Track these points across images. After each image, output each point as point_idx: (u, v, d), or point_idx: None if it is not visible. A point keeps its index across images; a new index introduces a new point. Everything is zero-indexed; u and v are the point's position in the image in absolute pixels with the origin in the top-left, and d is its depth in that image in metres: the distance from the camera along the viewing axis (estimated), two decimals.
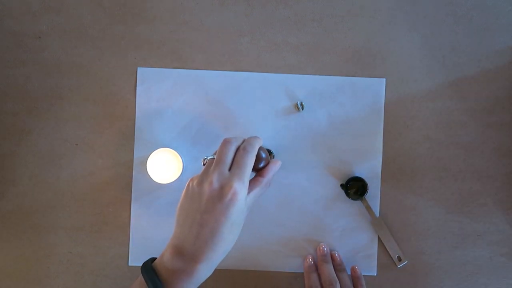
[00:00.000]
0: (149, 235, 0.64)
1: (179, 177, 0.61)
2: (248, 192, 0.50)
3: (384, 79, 0.64)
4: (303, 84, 0.64)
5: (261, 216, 0.64)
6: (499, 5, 0.64)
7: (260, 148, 0.58)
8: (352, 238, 0.64)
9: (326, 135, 0.64)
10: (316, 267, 0.63)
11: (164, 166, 0.61)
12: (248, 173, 0.50)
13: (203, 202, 0.48)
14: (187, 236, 0.47)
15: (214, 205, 0.47)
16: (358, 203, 0.64)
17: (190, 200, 0.49)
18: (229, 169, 0.50)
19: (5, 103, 0.64)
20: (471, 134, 0.64)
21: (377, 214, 0.64)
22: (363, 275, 0.64)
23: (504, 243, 0.64)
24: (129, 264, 0.64)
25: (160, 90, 0.64)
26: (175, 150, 0.61)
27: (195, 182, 0.49)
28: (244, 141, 0.53)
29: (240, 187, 0.48)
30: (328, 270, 0.62)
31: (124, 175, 0.64)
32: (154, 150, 0.61)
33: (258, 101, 0.64)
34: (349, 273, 0.63)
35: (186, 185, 0.51)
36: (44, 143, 0.64)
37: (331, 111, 0.64)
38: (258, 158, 0.56)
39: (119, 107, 0.64)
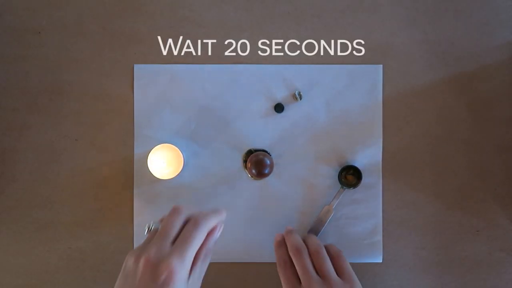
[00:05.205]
0: None
1: (180, 172, 0.61)
2: (191, 270, 0.44)
3: (381, 65, 0.64)
4: (300, 74, 0.64)
5: (263, 208, 0.64)
6: (498, 0, 0.64)
7: (264, 155, 0.59)
8: (356, 226, 0.64)
9: (325, 124, 0.64)
10: (285, 242, 0.60)
11: (165, 162, 0.61)
12: (193, 249, 0.43)
13: (136, 280, 0.42)
14: None
15: (146, 286, 0.41)
16: (361, 191, 0.64)
17: (125, 279, 0.43)
18: (173, 242, 0.44)
19: (4, 99, 0.64)
20: (471, 129, 0.65)
21: (380, 206, 0.64)
22: (369, 263, 0.64)
23: (504, 238, 0.64)
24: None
25: (157, 86, 0.64)
26: (175, 145, 0.61)
27: (132, 258, 0.43)
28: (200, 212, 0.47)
29: (179, 266, 0.41)
30: (293, 237, 0.58)
31: (124, 170, 0.64)
32: (154, 146, 0.61)
33: (256, 93, 0.64)
34: (353, 261, 0.62)
35: (125, 260, 0.45)
36: (44, 139, 0.64)
37: (329, 100, 0.64)
38: (263, 165, 0.59)
39: (118, 103, 0.64)
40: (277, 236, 0.61)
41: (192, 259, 0.43)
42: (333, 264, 0.57)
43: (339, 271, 0.56)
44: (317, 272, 0.56)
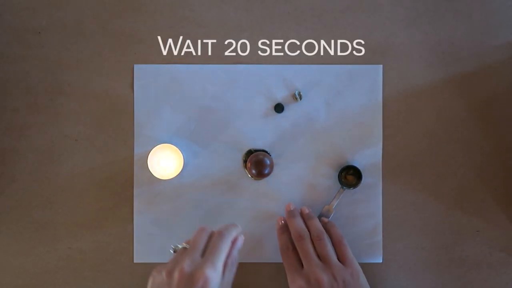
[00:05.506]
0: (152, 231, 0.64)
1: (180, 172, 0.61)
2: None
3: (381, 65, 0.64)
4: (300, 74, 0.64)
5: (263, 208, 0.64)
6: (498, 0, 0.64)
7: (264, 155, 0.60)
8: (356, 226, 0.64)
9: (325, 124, 0.64)
10: (288, 227, 0.61)
11: (165, 162, 0.61)
12: (222, 258, 0.47)
13: None
14: None
15: None
16: (361, 191, 0.64)
17: None
18: (203, 255, 0.48)
19: (4, 99, 0.64)
20: (470, 129, 0.65)
21: (380, 206, 0.64)
22: (369, 263, 0.64)
23: (504, 238, 0.64)
24: (135, 261, 0.64)
25: (157, 86, 0.64)
26: (175, 145, 0.61)
27: (164, 273, 0.47)
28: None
29: (212, 275, 0.45)
30: (295, 223, 0.60)
31: (124, 170, 0.64)
32: (154, 146, 0.61)
33: (256, 93, 0.64)
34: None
35: (151, 275, 0.48)
36: (44, 139, 0.64)
37: (329, 100, 0.64)
38: (263, 165, 0.59)
39: (119, 103, 0.64)
40: (279, 220, 0.63)
41: (222, 266, 0.48)
42: (335, 250, 0.59)
43: (340, 257, 0.58)
44: (319, 257, 0.57)
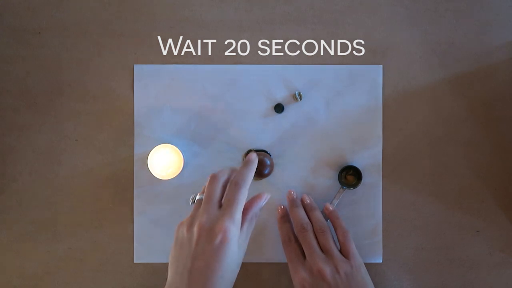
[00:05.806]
0: (152, 231, 0.64)
1: (180, 172, 0.61)
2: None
3: (381, 65, 0.64)
4: (300, 74, 0.64)
5: (263, 208, 0.64)
6: (498, 0, 0.64)
7: (264, 155, 0.60)
8: (356, 226, 0.64)
9: (325, 124, 0.64)
10: (289, 217, 0.62)
11: (165, 162, 0.61)
12: (240, 210, 0.47)
13: (192, 246, 0.46)
14: (179, 285, 0.45)
15: (204, 248, 0.45)
16: (361, 191, 0.64)
17: (180, 246, 0.47)
18: (220, 207, 0.48)
19: (5, 99, 0.64)
20: (470, 130, 0.65)
21: (380, 206, 0.64)
22: (370, 263, 0.64)
23: (504, 238, 0.64)
24: (135, 261, 0.64)
25: (157, 87, 0.64)
26: (175, 146, 0.62)
27: (184, 228, 0.48)
28: (235, 172, 0.51)
29: (231, 227, 0.46)
30: (298, 214, 0.60)
31: (124, 171, 0.64)
32: (154, 146, 0.61)
33: (256, 93, 0.64)
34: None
35: (176, 230, 0.49)
36: (44, 139, 0.64)
37: (329, 100, 0.64)
38: (263, 164, 0.59)
39: (119, 103, 0.64)
40: (280, 209, 0.63)
41: (240, 218, 0.47)
42: (340, 244, 0.60)
43: (343, 251, 0.59)
44: (321, 249, 0.58)
